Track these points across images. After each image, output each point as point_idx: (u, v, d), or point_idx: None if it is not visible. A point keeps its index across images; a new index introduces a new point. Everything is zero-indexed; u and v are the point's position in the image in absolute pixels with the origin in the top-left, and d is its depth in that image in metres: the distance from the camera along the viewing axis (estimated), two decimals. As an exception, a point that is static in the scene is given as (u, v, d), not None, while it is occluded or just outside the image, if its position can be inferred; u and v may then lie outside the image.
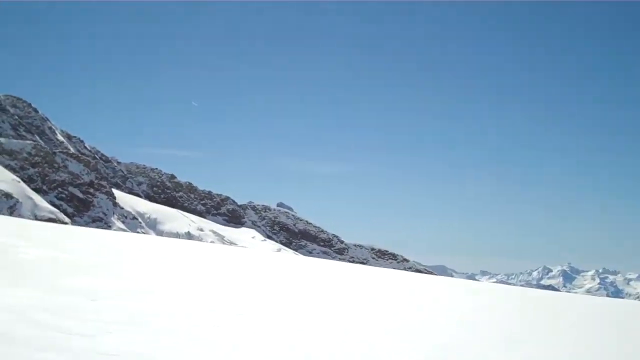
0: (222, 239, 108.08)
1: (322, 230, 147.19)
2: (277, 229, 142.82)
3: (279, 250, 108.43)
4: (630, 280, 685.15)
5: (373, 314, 11.87)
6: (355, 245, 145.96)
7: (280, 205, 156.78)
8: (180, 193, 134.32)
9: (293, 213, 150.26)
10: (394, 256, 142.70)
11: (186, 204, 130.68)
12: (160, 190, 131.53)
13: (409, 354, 7.94)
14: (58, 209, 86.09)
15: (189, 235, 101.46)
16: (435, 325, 11.43)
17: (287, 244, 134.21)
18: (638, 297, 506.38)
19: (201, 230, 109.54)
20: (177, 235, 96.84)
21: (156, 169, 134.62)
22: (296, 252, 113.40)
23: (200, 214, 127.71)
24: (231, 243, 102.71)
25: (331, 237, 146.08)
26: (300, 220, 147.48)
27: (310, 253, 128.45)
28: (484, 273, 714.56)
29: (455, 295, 20.44)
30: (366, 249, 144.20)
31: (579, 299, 33.29)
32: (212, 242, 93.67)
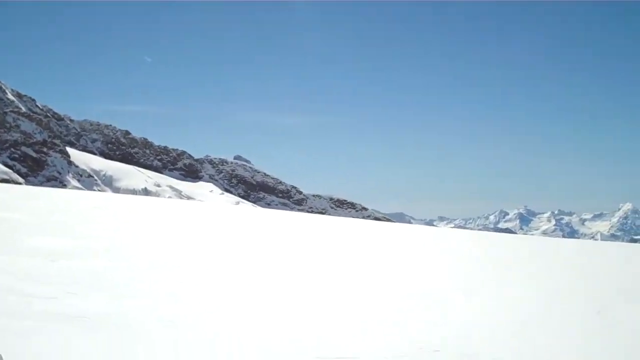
0: (179, 193, 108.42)
1: (281, 182, 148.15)
2: (235, 182, 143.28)
3: (237, 203, 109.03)
4: (585, 220, 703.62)
5: (344, 266, 11.63)
6: (313, 195, 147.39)
7: (237, 158, 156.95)
8: (136, 149, 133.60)
9: (250, 165, 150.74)
10: (352, 205, 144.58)
11: (142, 160, 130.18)
12: (115, 147, 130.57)
13: (384, 304, 7.95)
14: (11, 169, 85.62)
15: (146, 192, 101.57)
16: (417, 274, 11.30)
17: (245, 196, 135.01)
18: (593, 237, 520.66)
19: (158, 186, 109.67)
20: (134, 192, 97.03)
21: (110, 125, 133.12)
22: (255, 205, 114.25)
23: (156, 169, 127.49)
24: (189, 198, 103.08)
25: (289, 189, 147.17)
26: (258, 172, 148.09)
27: (268, 205, 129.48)
28: (442, 219, 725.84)
29: (428, 242, 20.69)
30: (325, 199, 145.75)
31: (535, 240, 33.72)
32: (169, 197, 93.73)
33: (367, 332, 6.36)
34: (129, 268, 8.86)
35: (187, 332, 5.55)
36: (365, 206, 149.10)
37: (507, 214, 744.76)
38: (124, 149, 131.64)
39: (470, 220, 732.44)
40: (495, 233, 35.10)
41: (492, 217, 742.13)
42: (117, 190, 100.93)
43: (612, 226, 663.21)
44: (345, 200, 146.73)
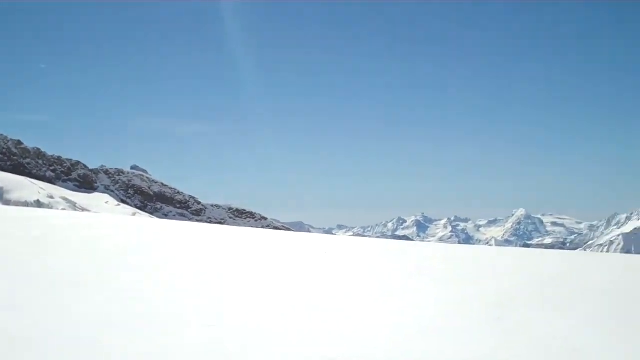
0: (73, 205, 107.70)
1: (179, 192, 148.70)
2: (132, 192, 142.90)
3: (134, 214, 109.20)
4: (480, 226, 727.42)
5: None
6: (212, 205, 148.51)
7: (134, 168, 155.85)
8: (28, 159, 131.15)
9: (148, 176, 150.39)
10: (251, 215, 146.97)
11: (35, 171, 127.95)
12: (6, 158, 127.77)
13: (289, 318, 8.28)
14: None
15: (38, 204, 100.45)
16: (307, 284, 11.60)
17: (143, 207, 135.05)
18: (487, 243, 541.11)
19: (51, 197, 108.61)
20: (26, 204, 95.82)
21: (1, 135, 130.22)
22: (152, 216, 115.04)
23: (50, 180, 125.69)
24: (83, 209, 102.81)
25: (188, 199, 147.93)
26: (156, 182, 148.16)
27: (166, 216, 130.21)
28: (340, 227, 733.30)
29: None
30: (223, 208, 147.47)
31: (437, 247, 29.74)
32: (63, 209, 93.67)
33: (274, 344, 6.67)
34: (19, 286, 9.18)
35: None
36: (265, 215, 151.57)
37: (405, 221, 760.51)
38: (16, 159, 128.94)
39: (369, 228, 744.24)
40: (394, 240, 34.28)
41: (390, 225, 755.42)
42: (7, 202, 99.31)
43: (506, 232, 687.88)
44: (244, 210, 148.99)
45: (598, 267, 17.98)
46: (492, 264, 17.65)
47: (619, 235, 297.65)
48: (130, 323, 7.25)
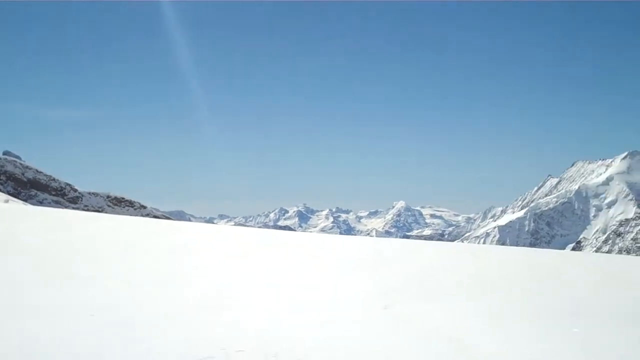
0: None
1: (54, 179, 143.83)
2: (4, 179, 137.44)
3: (6, 201, 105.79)
4: (361, 217, 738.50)
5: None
6: (89, 193, 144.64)
7: (6, 153, 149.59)
8: None
9: (21, 162, 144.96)
10: (130, 203, 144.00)
11: None
12: None
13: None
14: None
15: None
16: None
17: (16, 194, 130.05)
18: (368, 234, 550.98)
19: None
20: None
21: None
22: (26, 203, 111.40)
23: None
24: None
25: (64, 186, 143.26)
26: (30, 169, 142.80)
27: (40, 203, 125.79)
28: (222, 216, 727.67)
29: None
30: (102, 196, 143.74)
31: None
32: None
33: (169, 333, 6.73)
34: None
35: None
36: (144, 204, 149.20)
37: (287, 211, 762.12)
38: None
39: (251, 218, 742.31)
40: (277, 230, 34.55)
41: (272, 215, 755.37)
42: None
43: (386, 223, 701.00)
44: (123, 198, 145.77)
45: (477, 259, 19.09)
46: (377, 255, 18.17)
47: (494, 228, 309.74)
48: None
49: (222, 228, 35.88)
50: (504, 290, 11.66)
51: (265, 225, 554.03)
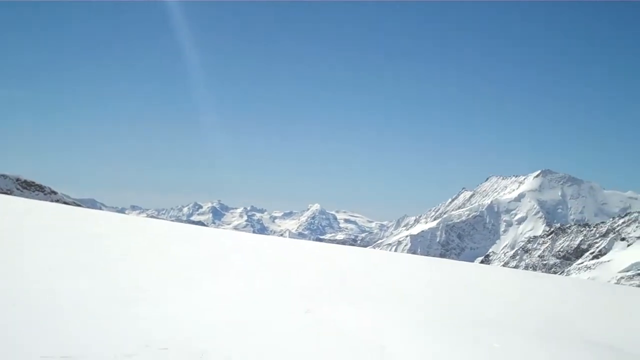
0: None
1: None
2: None
3: None
4: (275, 218, 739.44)
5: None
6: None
7: None
8: None
9: None
10: (41, 188, 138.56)
11: None
12: None
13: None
14: None
15: None
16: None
17: None
18: (282, 234, 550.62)
19: None
20: None
21: None
22: None
23: None
24: None
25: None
26: None
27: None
28: (134, 207, 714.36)
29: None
30: (11, 179, 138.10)
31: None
32: None
33: (89, 326, 6.46)
34: None
35: None
36: (55, 189, 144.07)
37: (201, 207, 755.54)
38: None
39: (164, 211, 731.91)
40: (192, 225, 34.41)
41: (185, 209, 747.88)
42: None
43: (300, 225, 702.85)
44: (33, 182, 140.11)
45: (394, 265, 19.49)
46: (295, 255, 18.26)
47: (406, 237, 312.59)
48: None
49: (136, 219, 34.82)
50: (424, 298, 11.93)
51: (178, 220, 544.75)
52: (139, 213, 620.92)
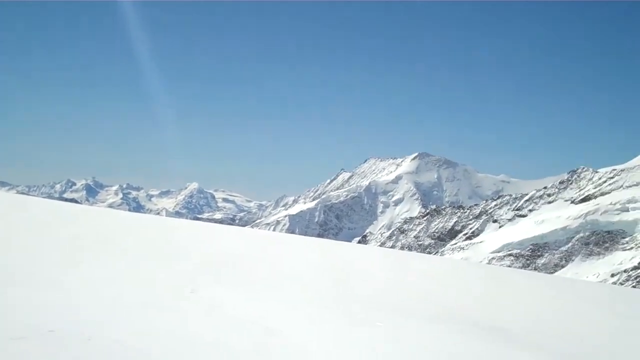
0: None
1: None
2: None
3: None
4: (152, 196, 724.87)
5: None
6: None
7: None
8: None
9: None
10: None
11: None
12: None
13: None
14: None
15: None
16: None
17: None
18: (158, 213, 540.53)
19: None
20: None
21: None
22: None
23: None
24: None
25: None
26: None
27: None
28: (3, 184, 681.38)
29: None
30: None
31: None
32: None
33: None
34: None
35: None
36: None
37: (75, 184, 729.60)
38: None
39: (35, 188, 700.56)
40: (65, 202, 33.42)
41: (58, 187, 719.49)
42: None
43: (177, 204, 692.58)
44: None
45: (277, 246, 19.38)
46: (179, 236, 17.87)
47: (285, 216, 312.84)
48: None
49: (6, 195, 33.36)
50: (309, 280, 11.97)
51: (50, 197, 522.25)
52: (9, 189, 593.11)
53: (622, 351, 9.60)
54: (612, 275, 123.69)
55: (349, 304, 9.35)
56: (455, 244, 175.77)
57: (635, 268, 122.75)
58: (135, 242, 14.76)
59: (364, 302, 9.82)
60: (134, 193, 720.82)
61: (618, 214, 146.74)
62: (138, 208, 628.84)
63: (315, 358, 6.38)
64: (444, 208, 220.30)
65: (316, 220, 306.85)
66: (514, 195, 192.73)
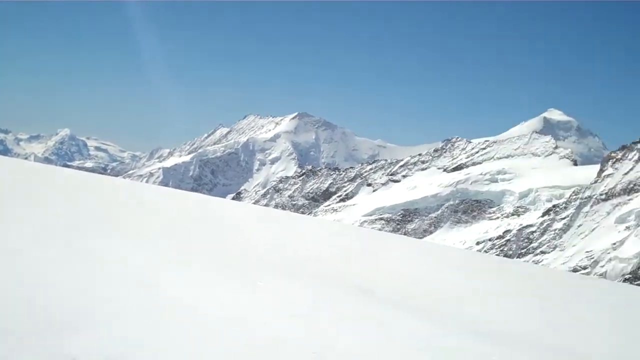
0: None
1: None
2: None
3: None
4: (20, 140, 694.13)
5: None
6: None
7: None
8: None
9: None
10: None
11: None
12: None
13: None
14: None
15: None
16: None
17: None
18: (27, 157, 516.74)
19: None
20: None
21: None
22: None
23: None
24: None
25: None
26: None
27: None
28: None
29: None
30: None
31: None
32: None
33: None
34: None
35: None
36: None
37: None
38: None
39: None
40: None
41: None
42: None
43: (47, 149, 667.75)
44: None
45: (169, 201, 19.35)
46: (52, 184, 17.31)
47: (159, 169, 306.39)
48: None
49: None
50: (187, 236, 11.57)
51: None
52: None
53: (468, 298, 11.20)
54: (478, 243, 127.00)
55: (229, 262, 9.31)
56: (329, 205, 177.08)
57: (499, 237, 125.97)
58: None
59: (245, 261, 9.71)
60: (1, 136, 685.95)
61: (487, 184, 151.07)
62: (5, 151, 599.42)
63: (191, 310, 6.18)
64: (320, 169, 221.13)
65: (191, 174, 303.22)
66: (389, 161, 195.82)
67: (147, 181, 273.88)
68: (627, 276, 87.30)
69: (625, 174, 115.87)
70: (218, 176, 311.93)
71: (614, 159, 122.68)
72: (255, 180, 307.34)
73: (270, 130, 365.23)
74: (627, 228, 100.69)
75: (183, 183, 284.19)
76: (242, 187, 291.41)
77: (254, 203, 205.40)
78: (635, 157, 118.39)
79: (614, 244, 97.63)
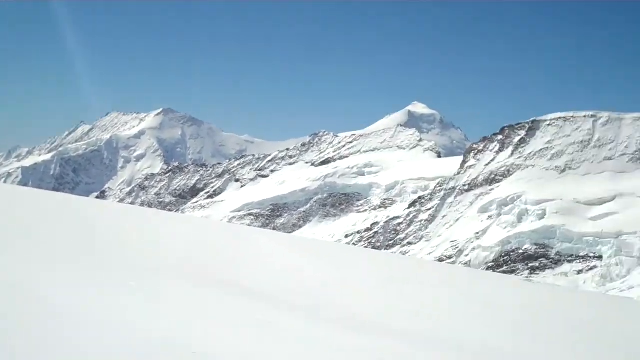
0: None
1: None
2: None
3: None
4: None
5: None
6: None
7: None
8: None
9: None
10: None
11: None
12: None
13: None
14: None
15: None
16: None
17: None
18: None
19: None
20: None
21: None
22: None
23: None
24: None
25: None
26: None
27: None
28: None
29: None
30: None
31: None
32: None
33: None
34: None
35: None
36: None
37: None
38: None
39: None
40: None
41: None
42: None
43: None
44: None
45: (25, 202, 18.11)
46: None
47: (18, 168, 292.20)
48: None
49: None
50: (49, 236, 11.13)
51: None
52: None
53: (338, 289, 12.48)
54: (347, 236, 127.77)
55: (98, 263, 9.01)
56: (197, 202, 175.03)
57: (367, 230, 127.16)
58: None
59: (115, 261, 9.49)
60: None
61: (355, 178, 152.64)
62: None
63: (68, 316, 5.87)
64: (187, 166, 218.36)
65: (52, 173, 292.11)
66: (257, 156, 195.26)
67: (5, 182, 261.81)
68: (490, 264, 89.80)
69: (487, 164, 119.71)
70: (81, 175, 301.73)
71: (476, 150, 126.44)
72: (120, 178, 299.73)
73: (134, 127, 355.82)
74: (489, 217, 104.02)
75: (44, 183, 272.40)
76: (107, 186, 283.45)
77: (119, 201, 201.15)
78: (496, 148, 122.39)
79: (477, 233, 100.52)
